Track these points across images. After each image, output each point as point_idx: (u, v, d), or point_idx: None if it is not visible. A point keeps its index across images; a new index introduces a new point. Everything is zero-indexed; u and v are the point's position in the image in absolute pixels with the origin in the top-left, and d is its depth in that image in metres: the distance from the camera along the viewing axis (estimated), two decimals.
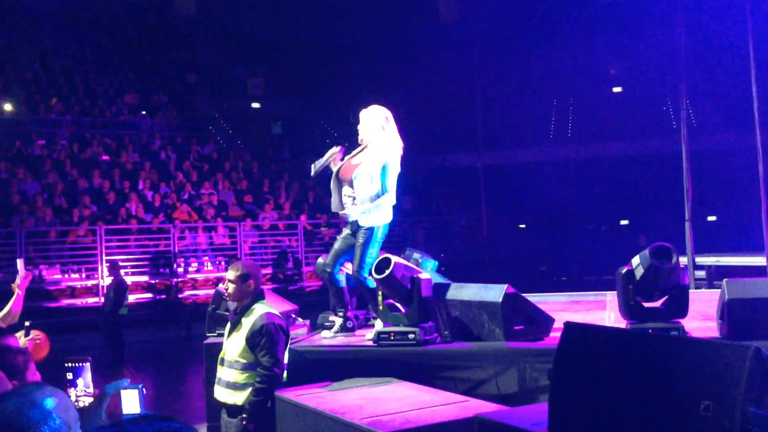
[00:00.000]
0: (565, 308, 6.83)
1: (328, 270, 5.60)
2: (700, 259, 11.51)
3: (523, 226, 18.01)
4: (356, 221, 5.46)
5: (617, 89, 17.06)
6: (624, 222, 17.74)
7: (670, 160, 11.81)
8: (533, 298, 6.74)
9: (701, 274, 11.46)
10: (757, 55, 10.09)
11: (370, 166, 5.39)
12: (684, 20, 11.10)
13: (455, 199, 17.71)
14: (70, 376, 2.88)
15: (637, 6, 13.46)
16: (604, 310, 6.28)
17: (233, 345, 4.52)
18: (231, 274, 4.64)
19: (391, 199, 5.43)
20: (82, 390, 2.88)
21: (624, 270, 4.81)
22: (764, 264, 9.47)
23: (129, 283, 12.81)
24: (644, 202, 15.31)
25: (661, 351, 2.67)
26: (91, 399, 2.86)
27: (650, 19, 13.08)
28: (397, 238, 15.01)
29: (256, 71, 22.87)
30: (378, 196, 5.38)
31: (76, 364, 2.87)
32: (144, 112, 19.96)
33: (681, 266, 4.80)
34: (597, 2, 14.42)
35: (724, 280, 4.96)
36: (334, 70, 21.61)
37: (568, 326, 2.99)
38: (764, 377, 2.33)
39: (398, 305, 5.11)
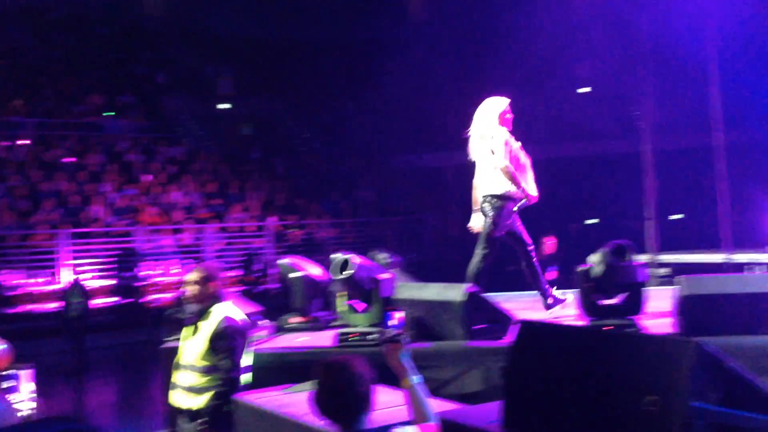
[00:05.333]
0: (528, 307, 6.88)
1: None
2: (665, 257, 11.69)
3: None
4: None
5: (584, 90, 17.23)
6: (592, 221, 17.95)
7: (635, 160, 11.97)
8: (499, 297, 6.78)
9: (666, 271, 11.64)
10: (717, 56, 10.28)
11: None
12: (648, 22, 11.29)
13: (426, 198, 17.76)
14: (12, 383, 2.84)
15: (602, 7, 13.59)
16: (566, 308, 6.34)
17: (191, 348, 4.47)
18: (192, 277, 4.59)
19: None
20: (26, 395, 2.85)
21: (582, 268, 4.87)
22: (738, 261, 9.69)
23: (95, 286, 12.65)
24: (610, 201, 15.49)
25: (609, 348, 2.71)
26: (34, 405, 2.83)
27: (615, 20, 13.23)
28: (366, 238, 15.01)
29: (226, 71, 22.70)
30: None
31: (16, 371, 2.84)
32: (111, 113, 19.72)
33: (638, 264, 4.88)
34: (564, 5, 14.54)
35: (680, 277, 5.05)
36: (305, 70, 21.53)
37: (522, 325, 3.02)
38: (705, 371, 2.38)
39: (360, 306, 5.13)
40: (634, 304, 4.81)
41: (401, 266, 7.43)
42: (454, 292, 4.87)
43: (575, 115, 16.14)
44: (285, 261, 5.82)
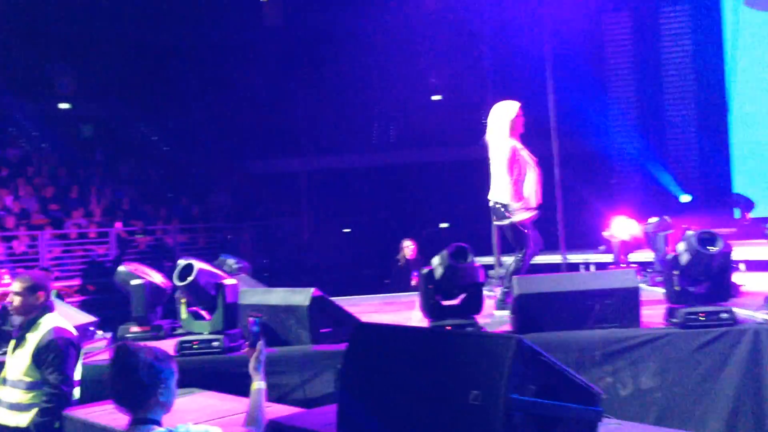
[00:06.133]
0: (377, 309, 6.99)
1: None
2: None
3: (348, 230, 18.26)
4: None
5: (436, 97, 17.75)
6: (444, 225, 18.52)
7: (483, 166, 12.45)
8: (348, 300, 6.82)
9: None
10: (553, 68, 10.92)
11: None
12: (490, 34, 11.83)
13: (280, 204, 17.63)
14: None
15: (451, 20, 14.07)
16: (413, 310, 6.50)
17: (17, 363, 4.18)
18: (17, 286, 4.31)
19: None
20: None
21: (425, 270, 5.00)
22: (574, 261, 10.33)
23: None
24: (461, 205, 16.02)
25: (438, 346, 2.79)
26: None
27: (462, 31, 13.74)
28: (218, 244, 14.67)
29: (66, 69, 21.38)
30: None
31: None
32: None
33: (477, 265, 5.08)
34: (415, 13, 14.90)
35: (514, 277, 5.31)
36: (152, 71, 20.71)
37: (357, 327, 3.05)
38: (526, 366, 2.49)
39: (204, 313, 4.98)
40: (474, 304, 5.00)
41: (250, 272, 7.33)
42: (300, 297, 4.85)
43: (428, 121, 16.59)
44: (124, 268, 5.56)
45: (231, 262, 6.50)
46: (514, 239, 5.90)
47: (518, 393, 2.45)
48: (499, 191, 5.86)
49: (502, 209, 5.84)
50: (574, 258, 10.63)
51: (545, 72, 10.67)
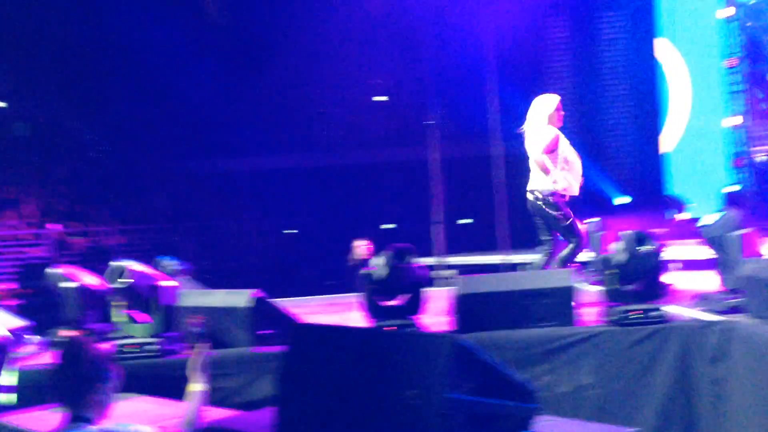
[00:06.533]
0: (320, 311, 6.98)
1: None
2: (452, 259, 12.36)
3: (293, 231, 18.12)
4: None
5: (380, 98, 17.75)
6: (390, 226, 18.56)
7: (426, 167, 12.54)
8: (292, 301, 6.78)
9: (453, 272, 12.30)
10: (497, 70, 11.07)
11: None
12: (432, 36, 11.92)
13: (221, 204, 17.38)
14: None
15: (394, 20, 14.12)
16: (354, 311, 6.49)
17: None
18: None
19: None
20: None
21: (366, 271, 5.00)
22: (515, 262, 10.47)
23: None
24: (404, 206, 16.09)
25: (375, 346, 2.79)
26: None
27: (405, 33, 13.79)
28: (158, 245, 14.37)
29: None
30: None
31: None
32: None
33: (418, 265, 5.10)
34: (359, 14, 14.89)
35: (457, 277, 5.36)
36: (89, 70, 20.18)
37: (295, 328, 3.03)
38: (461, 364, 2.51)
39: (141, 315, 4.88)
40: (415, 305, 5.02)
41: (190, 273, 7.21)
42: (239, 298, 4.80)
43: (371, 121, 16.59)
44: (55, 270, 5.40)
45: (169, 263, 6.38)
46: (561, 229, 5.90)
47: (454, 392, 2.46)
48: (536, 179, 5.92)
49: (539, 199, 5.85)
50: (518, 258, 10.79)
51: (486, 74, 10.82)
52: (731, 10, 11.02)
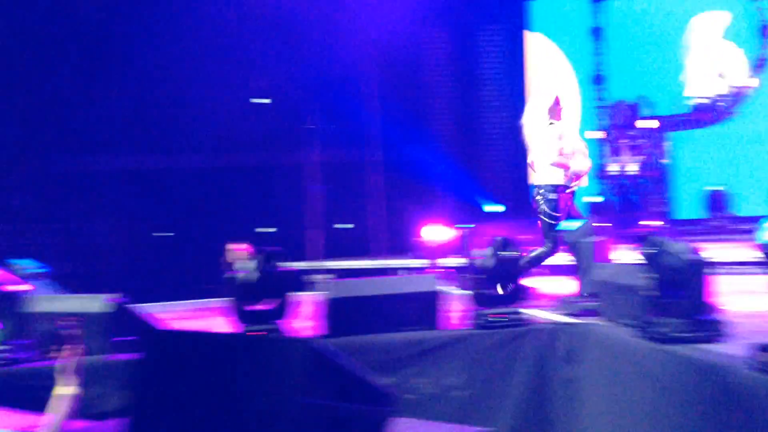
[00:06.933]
0: (189, 316, 6.79)
1: None
2: (330, 264, 12.35)
3: (166, 234, 17.52)
4: None
5: (260, 100, 17.49)
6: (270, 230, 18.31)
7: (305, 171, 12.49)
8: (161, 306, 6.54)
9: (330, 277, 12.29)
10: (376, 75, 11.20)
11: None
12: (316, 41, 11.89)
13: (85, 205, 16.54)
14: None
15: (276, 22, 13.96)
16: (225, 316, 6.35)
17: None
18: None
19: None
20: None
21: (233, 275, 4.90)
22: (391, 267, 10.60)
23: None
24: (284, 210, 15.93)
25: (233, 352, 2.73)
26: None
27: (287, 35, 13.68)
28: (15, 247, 13.52)
29: None
30: None
31: None
32: None
33: (288, 270, 5.06)
34: (237, 11, 14.61)
35: (328, 281, 5.35)
36: None
37: (148, 334, 2.91)
38: (317, 369, 2.49)
39: None
40: (283, 310, 4.97)
41: (50, 277, 6.82)
42: (93, 304, 4.58)
43: (251, 124, 16.32)
44: None
45: (23, 266, 5.99)
46: (544, 227, 5.78)
47: (308, 397, 2.44)
48: (538, 174, 5.88)
49: (539, 195, 5.80)
50: (393, 263, 10.94)
51: (366, 80, 10.92)
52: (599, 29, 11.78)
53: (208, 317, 6.56)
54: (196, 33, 14.11)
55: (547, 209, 5.73)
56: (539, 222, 5.77)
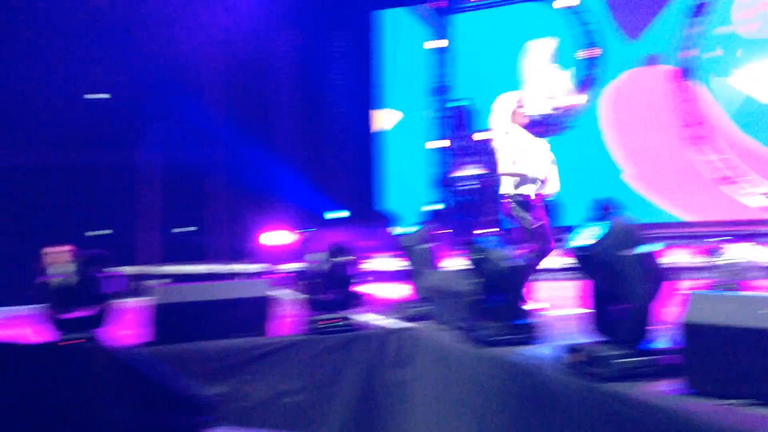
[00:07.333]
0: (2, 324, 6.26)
1: None
2: (167, 268, 11.89)
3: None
4: None
5: (96, 96, 16.61)
6: (105, 232, 17.33)
7: (145, 171, 11.98)
8: None
9: (167, 282, 11.85)
10: (223, 77, 10.94)
11: None
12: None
13: None
14: None
15: (117, 16, 13.30)
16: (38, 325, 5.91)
17: None
18: None
19: None
20: None
21: (47, 280, 4.57)
22: (227, 272, 10.35)
23: None
24: (118, 212, 15.19)
25: (41, 363, 2.53)
26: None
27: (127, 30, 13.09)
28: None
29: None
30: None
31: None
32: None
33: (109, 275, 4.77)
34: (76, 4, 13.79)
35: (155, 286, 5.12)
36: None
37: None
38: (121, 380, 2.36)
39: None
40: (103, 317, 4.68)
41: None
42: None
43: (85, 120, 15.41)
44: None
45: None
46: (528, 232, 5.62)
47: (114, 408, 2.30)
48: (505, 184, 5.75)
49: (510, 202, 5.68)
50: (231, 268, 10.72)
51: (209, 80, 10.64)
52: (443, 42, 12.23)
53: (19, 326, 6.08)
54: (29, 24, 13.18)
55: (522, 214, 5.73)
56: (516, 229, 5.76)
